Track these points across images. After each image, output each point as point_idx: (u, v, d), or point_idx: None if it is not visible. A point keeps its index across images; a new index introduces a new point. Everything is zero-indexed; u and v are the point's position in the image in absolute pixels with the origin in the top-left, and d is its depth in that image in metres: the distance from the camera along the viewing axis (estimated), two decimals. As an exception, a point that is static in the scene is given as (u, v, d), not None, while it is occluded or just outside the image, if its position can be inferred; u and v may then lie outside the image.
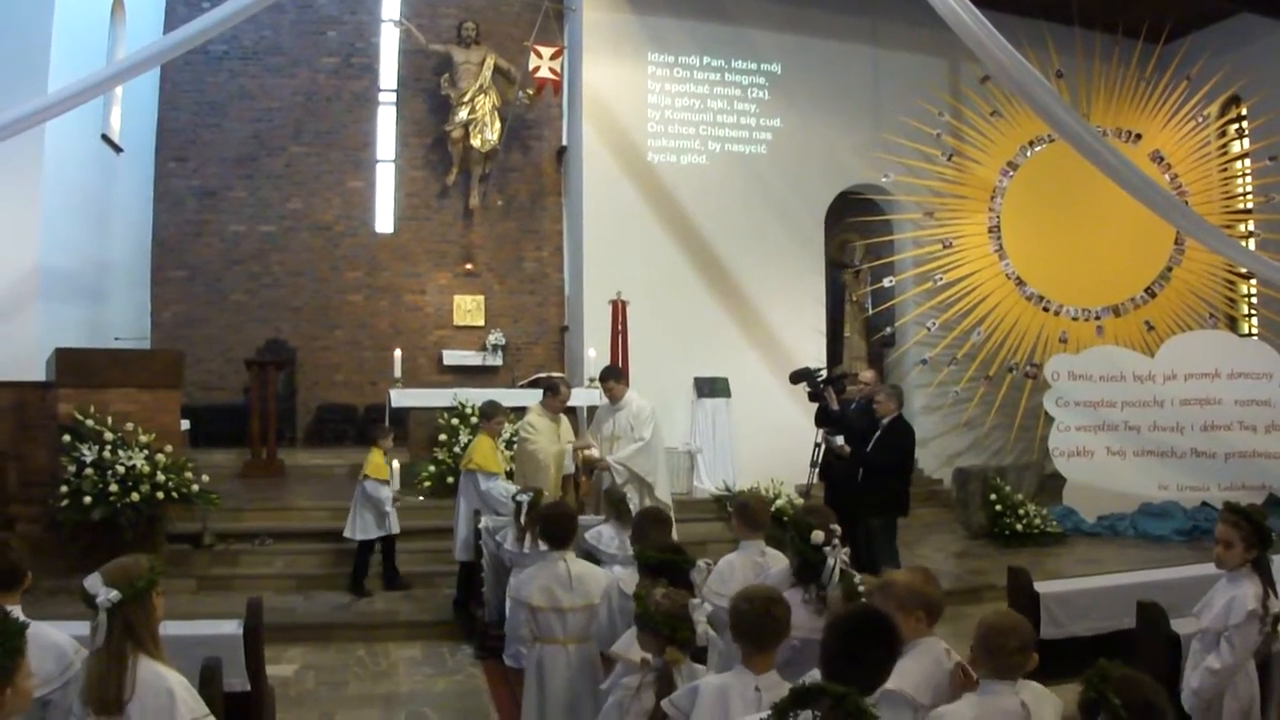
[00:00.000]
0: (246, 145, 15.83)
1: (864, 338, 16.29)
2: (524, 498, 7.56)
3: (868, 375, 10.31)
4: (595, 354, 13.14)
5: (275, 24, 15.86)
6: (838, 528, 4.88)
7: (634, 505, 8.16)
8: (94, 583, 3.47)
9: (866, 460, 9.12)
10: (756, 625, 3.63)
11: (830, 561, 4.72)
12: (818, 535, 4.75)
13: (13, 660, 2.81)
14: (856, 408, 9.87)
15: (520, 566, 7.52)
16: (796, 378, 10.53)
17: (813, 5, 14.79)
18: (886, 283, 15.03)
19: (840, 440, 9.24)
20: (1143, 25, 14.69)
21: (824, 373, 10.39)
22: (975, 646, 3.48)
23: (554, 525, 5.52)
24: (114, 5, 13.16)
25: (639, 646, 4.18)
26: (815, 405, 10.25)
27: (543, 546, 7.33)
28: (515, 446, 9.32)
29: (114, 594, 3.43)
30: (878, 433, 9.17)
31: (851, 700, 2.62)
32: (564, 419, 9.36)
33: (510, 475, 9.04)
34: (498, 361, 16.01)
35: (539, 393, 9.69)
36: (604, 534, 7.08)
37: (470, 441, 9.69)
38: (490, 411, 9.15)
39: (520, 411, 9.99)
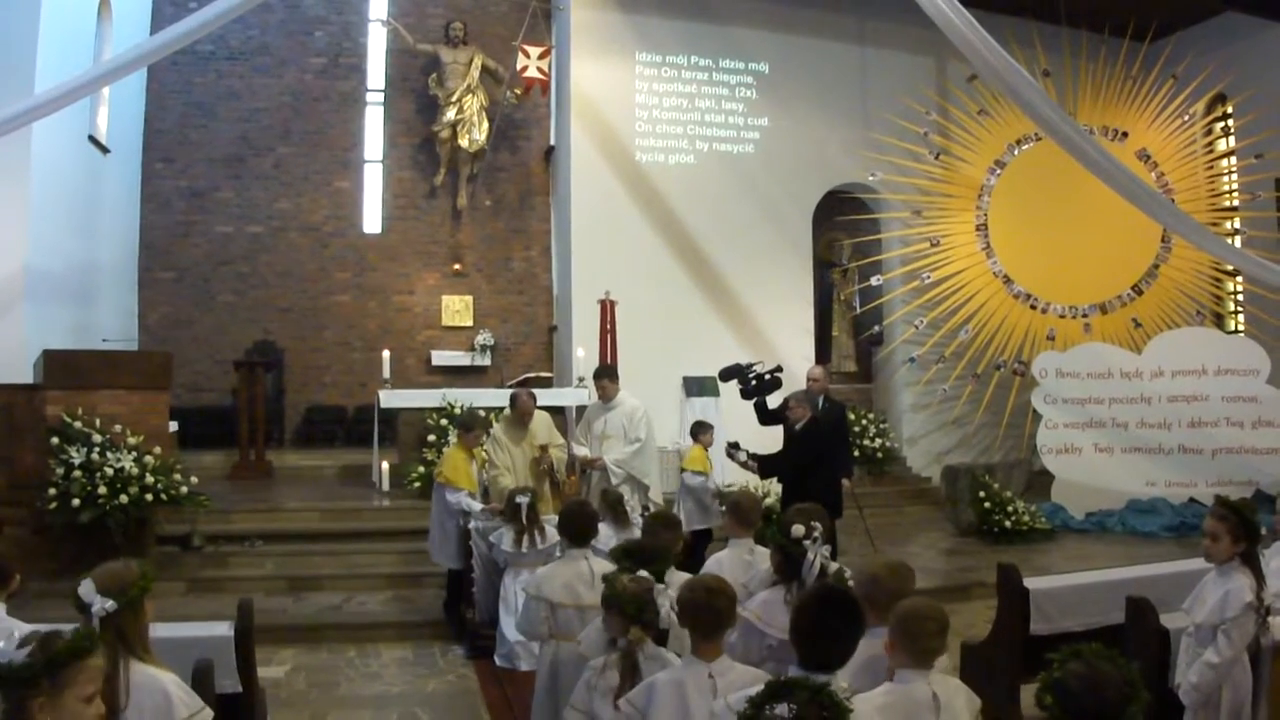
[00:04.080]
0: (234, 146, 15.79)
1: (852, 336, 16.34)
2: (523, 499, 7.58)
3: (817, 372, 10.11)
4: (584, 354, 13.15)
5: (263, 24, 15.84)
6: (819, 524, 4.90)
7: (628, 506, 8.17)
8: (88, 590, 3.45)
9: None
10: (699, 614, 3.72)
11: (810, 555, 4.74)
12: (797, 529, 4.77)
13: (67, 663, 2.78)
14: (824, 411, 9.63)
15: (516, 566, 7.56)
16: (726, 375, 10.07)
17: (800, 4, 14.82)
18: (874, 281, 15.06)
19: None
20: (1129, 24, 14.74)
21: (757, 369, 9.92)
22: (892, 631, 3.51)
23: (576, 523, 5.54)
24: (100, 6, 13.10)
25: (605, 630, 4.29)
26: (774, 406, 9.80)
27: (541, 543, 7.42)
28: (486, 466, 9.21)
29: (109, 603, 3.42)
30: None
31: (827, 693, 2.69)
32: (543, 418, 9.28)
33: (485, 492, 8.98)
34: (486, 362, 16.00)
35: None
36: (602, 533, 7.07)
37: (445, 451, 9.68)
38: (469, 424, 9.05)
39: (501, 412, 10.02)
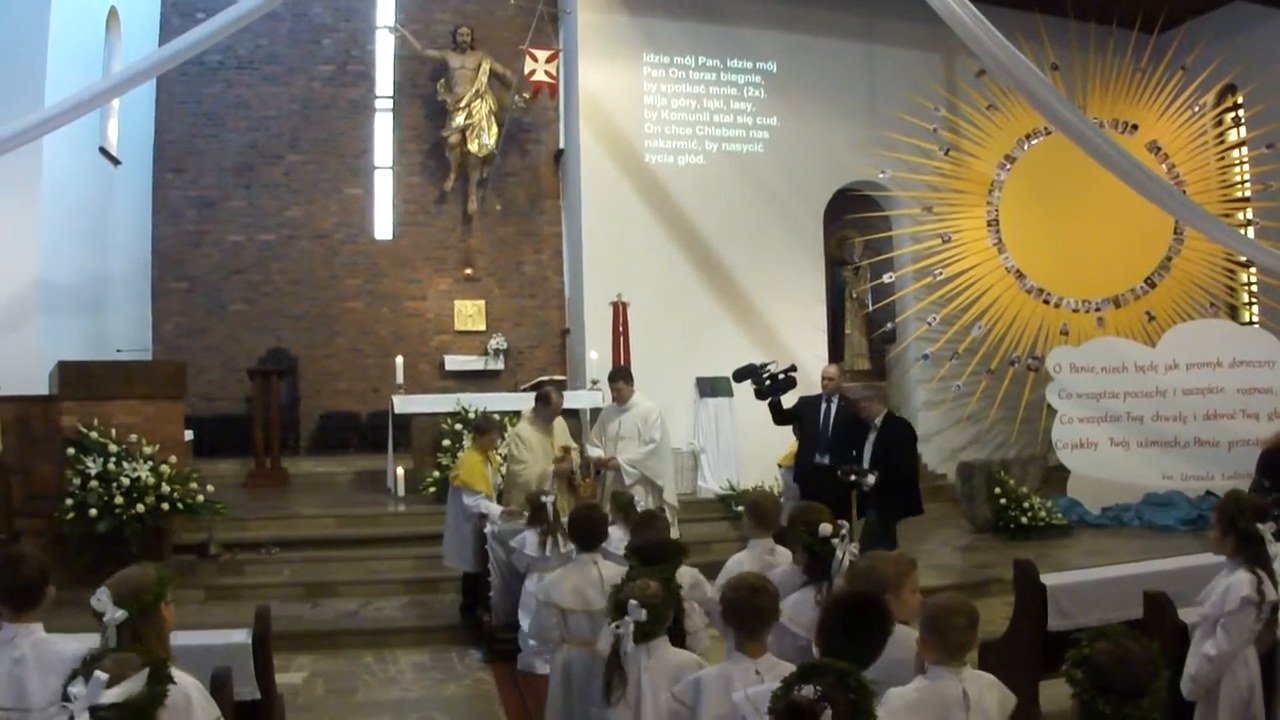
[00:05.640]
0: (244, 155, 15.82)
1: (865, 334, 16.29)
2: (548, 499, 7.58)
3: (831, 370, 10.01)
4: (597, 356, 13.16)
5: (270, 33, 15.85)
6: (845, 522, 4.92)
7: (641, 507, 8.18)
8: (101, 600, 3.47)
9: (876, 466, 8.73)
10: (744, 613, 3.81)
11: (839, 554, 4.74)
12: (825, 528, 4.77)
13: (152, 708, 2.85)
14: (839, 410, 9.45)
15: (539, 571, 7.53)
16: (740, 375, 9.99)
17: (807, 3, 14.79)
18: (886, 279, 15.03)
19: (871, 480, 8.56)
20: (1137, 16, 14.69)
21: (771, 368, 9.86)
22: (923, 627, 3.56)
23: (585, 527, 5.55)
24: (109, 18, 13.17)
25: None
26: (788, 405, 9.76)
27: (564, 546, 7.43)
28: (505, 464, 9.23)
29: (120, 614, 3.44)
30: (873, 434, 8.84)
31: (854, 676, 2.75)
32: (559, 422, 9.34)
33: (500, 494, 9.01)
34: (499, 366, 15.99)
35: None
36: (613, 535, 7.06)
37: (460, 454, 9.71)
38: (484, 427, 9.11)
39: (517, 415, 10.03)
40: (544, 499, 7.60)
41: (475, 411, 11.76)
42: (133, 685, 2.77)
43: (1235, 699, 4.63)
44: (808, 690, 2.68)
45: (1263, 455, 9.35)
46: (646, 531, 5.46)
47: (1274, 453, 9.11)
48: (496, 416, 9.82)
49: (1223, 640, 4.56)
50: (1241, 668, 4.65)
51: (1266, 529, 4.75)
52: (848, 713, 2.65)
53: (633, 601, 4.07)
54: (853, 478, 8.71)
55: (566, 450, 9.09)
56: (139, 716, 2.78)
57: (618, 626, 4.10)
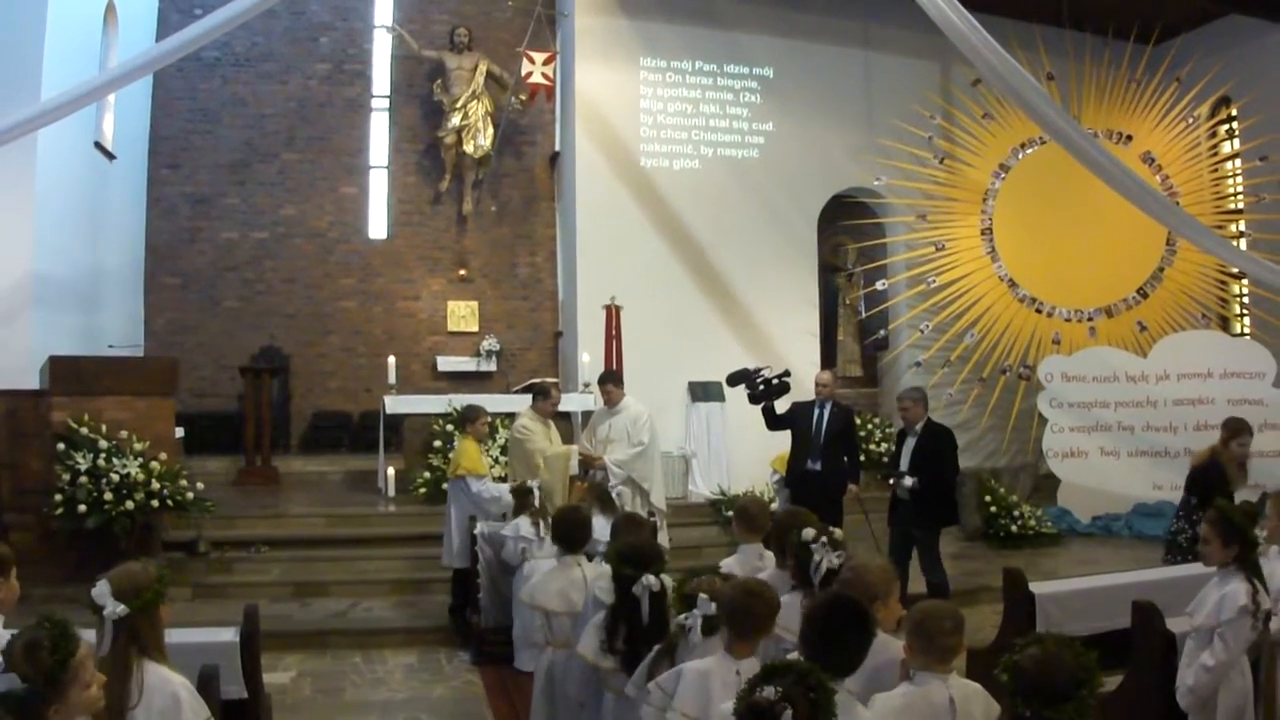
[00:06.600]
0: (239, 152, 15.81)
1: (857, 341, 16.32)
2: (533, 482, 7.62)
3: (824, 377, 9.97)
4: (589, 359, 13.15)
5: (268, 31, 15.85)
6: (837, 529, 4.93)
7: (626, 508, 8.17)
8: (102, 593, 3.47)
9: (916, 472, 8.60)
10: (736, 614, 3.83)
11: (816, 558, 4.73)
12: (808, 532, 4.77)
13: (63, 670, 2.79)
14: (831, 416, 9.39)
15: (534, 559, 7.48)
16: (734, 380, 10.03)
17: (804, 9, 14.80)
18: (879, 286, 15.04)
19: (909, 483, 8.49)
20: (1132, 27, 14.73)
21: (765, 373, 9.88)
22: (909, 633, 3.58)
23: (569, 529, 5.55)
24: (106, 12, 13.14)
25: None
26: (781, 411, 9.73)
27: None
28: (509, 446, 9.27)
29: (120, 608, 3.44)
30: (912, 439, 8.74)
31: (815, 675, 2.76)
32: (551, 423, 9.35)
33: (504, 478, 9.04)
34: (491, 367, 15.96)
35: (530, 398, 9.68)
36: (596, 524, 7.03)
37: (455, 449, 9.70)
38: (472, 415, 9.12)
39: (509, 418, 10.05)
40: (529, 484, 7.66)
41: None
42: (9, 680, 2.74)
43: (1232, 708, 4.64)
44: (768, 691, 2.70)
45: (1191, 472, 9.20)
46: (628, 534, 5.45)
47: (1202, 469, 8.94)
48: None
49: (1221, 650, 4.56)
50: (1238, 676, 4.66)
51: (1260, 534, 4.78)
52: (808, 713, 2.67)
53: (702, 595, 4.12)
54: (891, 481, 8.78)
55: (582, 453, 9.17)
56: (19, 709, 2.74)
57: (685, 618, 4.15)
